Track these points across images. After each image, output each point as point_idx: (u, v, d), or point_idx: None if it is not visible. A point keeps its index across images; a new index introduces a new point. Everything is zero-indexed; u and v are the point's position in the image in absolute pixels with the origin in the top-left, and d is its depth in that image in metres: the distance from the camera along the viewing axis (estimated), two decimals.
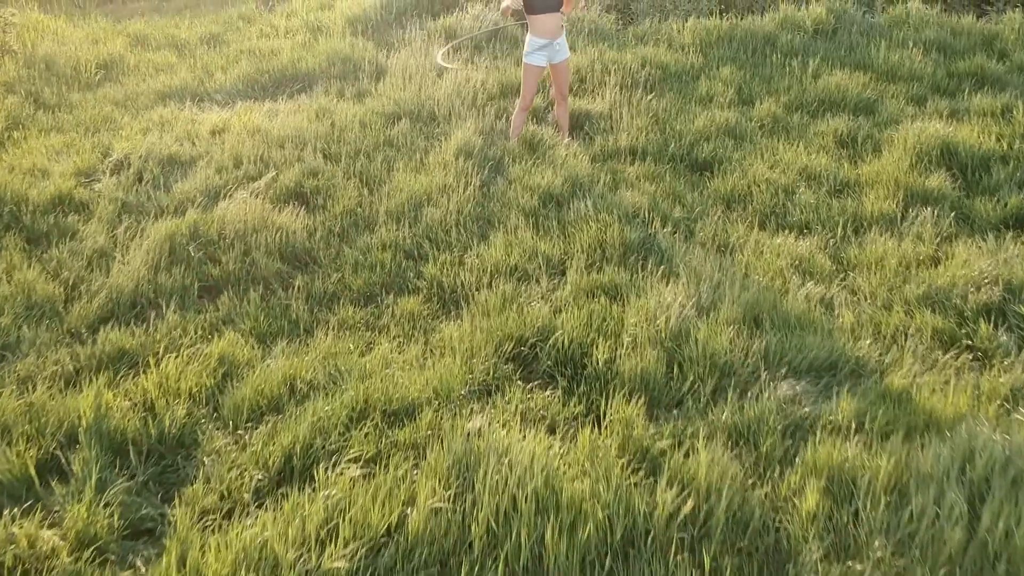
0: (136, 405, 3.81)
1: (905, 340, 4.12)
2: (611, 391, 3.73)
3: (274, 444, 3.49)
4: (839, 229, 5.12)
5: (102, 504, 3.20)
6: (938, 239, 4.98)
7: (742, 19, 8.56)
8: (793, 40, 8.03)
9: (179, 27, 9.80)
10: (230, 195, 5.64)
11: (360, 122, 6.70)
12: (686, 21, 8.56)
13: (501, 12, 6.22)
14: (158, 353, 4.12)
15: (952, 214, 5.17)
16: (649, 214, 5.27)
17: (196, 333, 4.38)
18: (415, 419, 3.63)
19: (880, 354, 4.03)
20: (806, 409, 3.61)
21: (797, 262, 4.78)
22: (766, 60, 7.74)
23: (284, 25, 9.68)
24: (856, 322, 4.25)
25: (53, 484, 3.35)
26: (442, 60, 6.81)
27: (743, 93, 7.12)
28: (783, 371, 3.86)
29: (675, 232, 5.12)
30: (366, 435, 3.54)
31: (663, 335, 4.05)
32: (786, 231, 5.17)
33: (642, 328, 4.08)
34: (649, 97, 6.94)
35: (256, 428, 3.67)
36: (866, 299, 4.49)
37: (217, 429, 3.70)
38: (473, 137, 6.22)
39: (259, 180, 5.85)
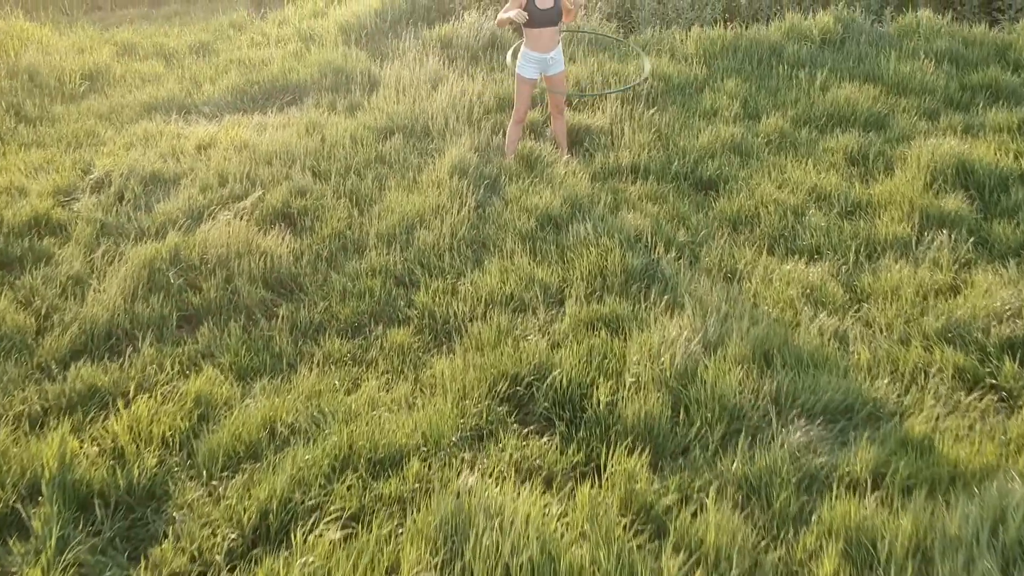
0: (105, 452, 3.57)
1: (925, 379, 3.88)
2: (612, 438, 3.49)
3: (250, 498, 3.25)
4: (851, 254, 4.87)
5: (60, 567, 2.96)
6: (956, 266, 4.73)
7: (747, 28, 8.31)
8: (800, 50, 7.78)
9: (168, 35, 9.55)
10: (214, 216, 5.40)
11: (351, 137, 6.45)
12: (689, 30, 8.31)
13: (497, 23, 5.97)
14: (129, 393, 3.88)
15: (971, 239, 4.93)
16: (652, 238, 5.02)
17: (173, 369, 4.14)
18: (402, 469, 3.39)
19: (898, 395, 3.79)
20: (822, 459, 3.37)
21: (808, 291, 4.54)
22: (772, 71, 7.49)
23: (276, 33, 9.43)
24: (872, 359, 4.01)
25: (11, 543, 3.11)
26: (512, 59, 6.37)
27: (749, 107, 6.87)
28: (796, 414, 3.62)
29: (679, 258, 4.87)
30: (349, 488, 3.30)
31: (668, 374, 3.81)
32: (796, 256, 4.92)
33: (645, 366, 3.84)
34: (651, 111, 6.69)
35: (232, 478, 3.43)
36: (882, 332, 4.24)
37: (190, 479, 3.45)
38: (468, 154, 5.98)
39: (245, 200, 5.60)
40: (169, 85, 7.93)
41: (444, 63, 7.91)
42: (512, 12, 5.62)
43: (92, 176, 6.09)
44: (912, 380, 3.89)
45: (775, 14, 8.92)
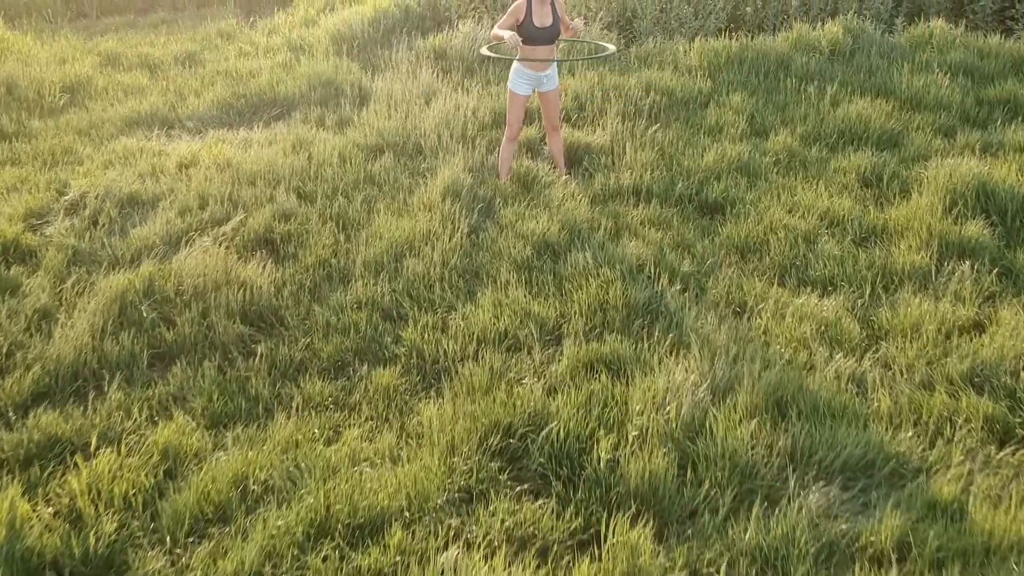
0: (61, 514, 3.27)
1: (951, 430, 3.58)
2: (613, 500, 3.20)
3: (216, 572, 2.95)
4: (867, 286, 4.58)
5: None
6: (979, 299, 4.44)
7: (752, 39, 8.01)
8: (808, 63, 7.48)
9: (153, 45, 9.24)
10: (192, 242, 5.11)
11: (340, 155, 6.16)
12: (692, 41, 8.01)
13: (493, 37, 5.68)
14: (90, 444, 3.58)
15: (994, 269, 4.63)
16: (655, 268, 4.73)
17: (141, 415, 3.84)
18: (383, 537, 3.09)
19: (923, 449, 3.49)
20: (842, 526, 3.07)
21: (823, 328, 4.24)
22: (779, 85, 7.20)
23: (265, 43, 9.13)
24: (893, 406, 3.71)
25: None
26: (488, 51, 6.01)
27: (755, 123, 6.57)
28: (813, 472, 3.33)
29: (685, 290, 4.58)
30: (324, 559, 3.00)
31: (674, 426, 3.51)
32: (808, 288, 4.63)
33: (649, 417, 3.54)
34: (654, 128, 6.40)
35: (198, 545, 3.14)
36: (902, 374, 3.95)
37: (152, 546, 3.15)
38: (462, 175, 5.69)
39: (225, 224, 5.31)
40: (152, 98, 7.64)
41: (438, 75, 7.62)
42: (506, 33, 5.33)
43: (67, 197, 5.81)
44: (937, 431, 3.60)
45: (781, 23, 8.63)
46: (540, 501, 3.25)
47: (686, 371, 3.84)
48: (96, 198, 5.70)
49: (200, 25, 10.19)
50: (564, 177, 5.83)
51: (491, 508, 3.20)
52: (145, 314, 4.48)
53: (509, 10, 5.51)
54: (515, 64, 5.64)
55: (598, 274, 4.63)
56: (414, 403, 3.92)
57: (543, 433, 3.50)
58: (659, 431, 3.48)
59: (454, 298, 4.61)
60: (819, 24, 8.20)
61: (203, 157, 6.25)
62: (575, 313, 4.38)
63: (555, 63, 5.70)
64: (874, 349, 4.13)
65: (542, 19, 5.44)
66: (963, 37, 7.83)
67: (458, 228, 5.14)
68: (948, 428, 3.60)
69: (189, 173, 6.04)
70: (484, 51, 5.72)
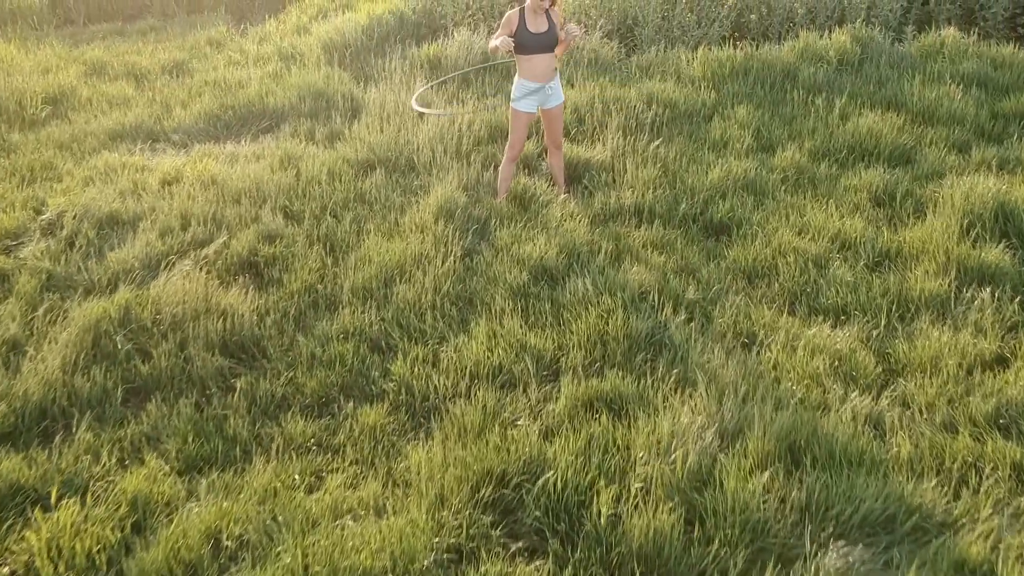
0: (17, 574, 3.03)
1: (977, 478, 3.34)
2: (614, 563, 2.95)
3: None
4: (882, 315, 4.33)
5: None
6: (1002, 330, 4.19)
7: (758, 48, 7.75)
8: (816, 73, 7.23)
9: (141, 53, 8.98)
10: (172, 265, 4.88)
11: (329, 172, 5.91)
12: (696, 50, 7.76)
13: (490, 51, 5.44)
14: (52, 494, 3.33)
15: (1016, 297, 4.39)
16: (658, 296, 4.48)
17: (110, 459, 3.60)
18: None
19: (947, 501, 3.24)
20: None
21: (836, 362, 4.00)
22: (786, 97, 6.94)
23: (255, 52, 8.88)
24: (914, 451, 3.47)
25: None
26: (418, 105, 5.93)
27: (762, 137, 6.32)
28: (830, 529, 3.09)
29: (690, 320, 4.34)
30: None
31: (680, 475, 3.27)
32: (820, 317, 4.38)
33: (653, 466, 3.30)
34: (656, 143, 6.15)
35: None
36: (922, 414, 3.70)
37: None
38: (456, 193, 5.44)
39: (208, 247, 5.07)
40: (138, 110, 7.39)
41: (432, 86, 7.36)
42: (498, 39, 5.08)
43: (44, 217, 5.56)
44: (962, 480, 3.35)
45: (787, 32, 8.37)
46: (536, 563, 3.01)
47: (692, 412, 3.60)
48: (74, 218, 5.46)
49: (189, 32, 9.93)
50: (563, 195, 5.58)
51: (482, 571, 2.96)
52: (120, 346, 4.24)
53: (501, 21, 5.27)
54: (517, 80, 5.38)
55: (598, 302, 4.39)
56: (402, 445, 3.68)
57: (539, 483, 3.26)
58: (664, 482, 3.24)
59: (446, 328, 4.37)
60: (826, 33, 7.94)
61: (187, 173, 6.01)
62: (574, 345, 4.14)
63: (558, 76, 5.44)
64: (892, 386, 3.89)
65: (537, 26, 5.19)
66: (975, 46, 7.58)
67: (451, 251, 4.89)
68: (973, 476, 3.36)
69: (172, 191, 5.80)
70: (415, 106, 5.58)
